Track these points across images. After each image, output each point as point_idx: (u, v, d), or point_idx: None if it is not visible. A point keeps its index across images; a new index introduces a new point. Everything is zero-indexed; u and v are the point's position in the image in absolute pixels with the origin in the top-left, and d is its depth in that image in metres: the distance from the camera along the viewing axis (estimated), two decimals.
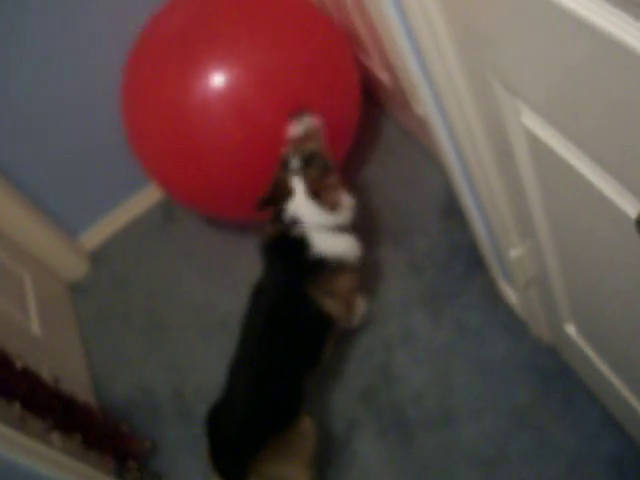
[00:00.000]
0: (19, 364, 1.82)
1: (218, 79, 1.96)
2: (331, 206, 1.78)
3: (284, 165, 1.80)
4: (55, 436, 1.87)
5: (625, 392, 1.45)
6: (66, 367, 2.36)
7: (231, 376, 1.76)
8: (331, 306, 1.80)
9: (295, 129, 1.85)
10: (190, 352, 2.36)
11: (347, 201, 1.83)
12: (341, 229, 1.82)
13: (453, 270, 2.11)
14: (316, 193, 1.76)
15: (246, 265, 2.46)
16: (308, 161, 1.78)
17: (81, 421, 1.95)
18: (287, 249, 1.81)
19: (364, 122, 2.63)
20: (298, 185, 1.77)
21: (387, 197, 2.39)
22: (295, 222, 1.78)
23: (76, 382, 2.34)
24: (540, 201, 1.21)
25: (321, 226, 1.78)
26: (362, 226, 2.30)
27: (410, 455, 1.84)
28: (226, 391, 1.74)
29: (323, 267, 1.78)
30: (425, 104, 1.47)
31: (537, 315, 1.74)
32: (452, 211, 2.22)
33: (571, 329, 1.55)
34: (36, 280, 2.56)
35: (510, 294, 1.90)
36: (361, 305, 2.00)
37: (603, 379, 1.53)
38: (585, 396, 1.73)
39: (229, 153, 2.04)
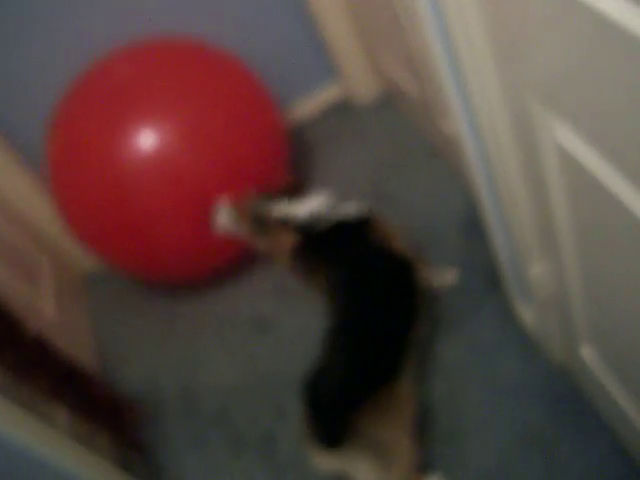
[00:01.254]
0: (32, 328, 1.85)
1: (147, 138, 2.01)
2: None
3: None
4: (61, 414, 1.89)
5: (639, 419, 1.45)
6: (77, 354, 2.38)
7: (328, 345, 1.72)
8: (397, 245, 1.88)
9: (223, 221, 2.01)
10: (202, 349, 2.37)
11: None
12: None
13: (469, 287, 2.10)
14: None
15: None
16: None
17: (84, 391, 1.99)
18: (328, 237, 1.88)
19: (387, 134, 2.67)
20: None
21: (406, 211, 2.40)
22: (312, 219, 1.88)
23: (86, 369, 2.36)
24: (567, 219, 1.21)
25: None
26: None
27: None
28: (323, 359, 1.70)
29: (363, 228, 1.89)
30: (456, 120, 1.47)
31: (552, 336, 1.74)
32: (472, 228, 2.22)
33: (587, 351, 1.55)
34: (54, 265, 2.60)
35: (525, 314, 1.89)
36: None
37: (614, 404, 1.53)
38: (595, 420, 1.72)
39: (161, 212, 2.08)
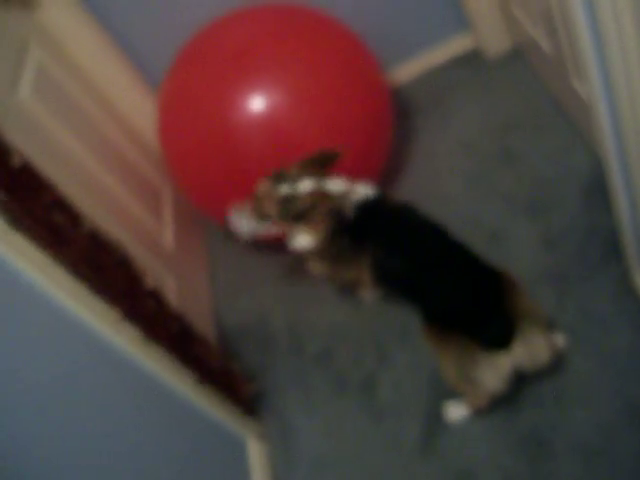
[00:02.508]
0: (150, 283, 1.90)
1: (259, 101, 2.05)
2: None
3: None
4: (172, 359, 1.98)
5: None
6: (191, 285, 2.49)
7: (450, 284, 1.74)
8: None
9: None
10: (311, 289, 2.43)
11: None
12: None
13: (587, 253, 2.05)
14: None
15: None
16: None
17: (196, 353, 2.03)
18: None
19: (515, 89, 2.59)
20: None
21: (530, 168, 2.34)
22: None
23: (198, 301, 2.47)
24: None
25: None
26: (503, 193, 2.30)
27: (513, 425, 1.84)
28: (439, 292, 1.74)
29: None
30: (591, 80, 1.42)
31: None
32: (595, 192, 2.15)
33: None
34: (174, 196, 2.69)
35: None
36: None
37: None
38: None
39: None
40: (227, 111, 2.08)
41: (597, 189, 2.14)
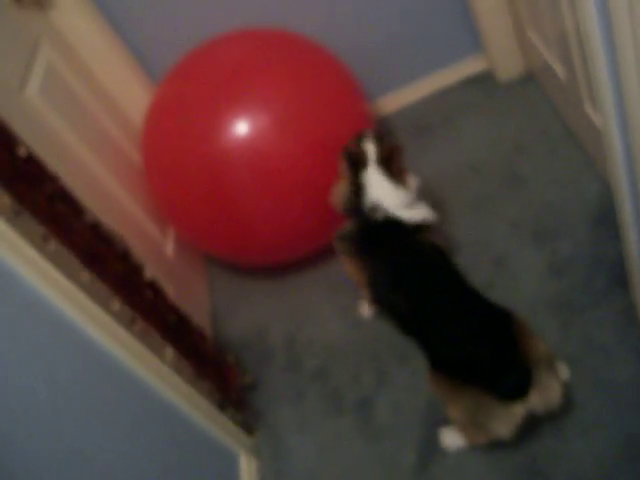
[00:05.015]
0: (148, 274, 1.92)
1: (244, 125, 2.06)
2: (398, 177, 1.89)
3: (358, 140, 1.94)
4: (168, 352, 1.96)
5: None
6: (190, 295, 2.47)
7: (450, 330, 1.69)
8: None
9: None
10: (311, 305, 2.40)
11: (412, 180, 1.95)
12: (413, 203, 1.91)
13: (593, 282, 2.02)
14: (387, 160, 1.88)
15: None
16: (379, 138, 1.93)
17: (192, 342, 2.05)
18: (384, 232, 1.88)
19: (525, 112, 2.57)
20: (370, 149, 1.90)
21: (537, 193, 2.32)
22: (375, 208, 1.87)
23: (196, 310, 2.44)
24: None
25: (398, 204, 1.87)
26: (509, 218, 2.28)
27: (511, 456, 1.81)
28: (447, 342, 1.68)
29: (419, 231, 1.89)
30: (605, 108, 1.40)
31: None
32: (603, 220, 2.13)
33: None
34: None
35: None
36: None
37: None
38: None
39: (256, 199, 2.14)
40: (211, 134, 2.09)
41: (605, 217, 2.12)
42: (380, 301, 1.90)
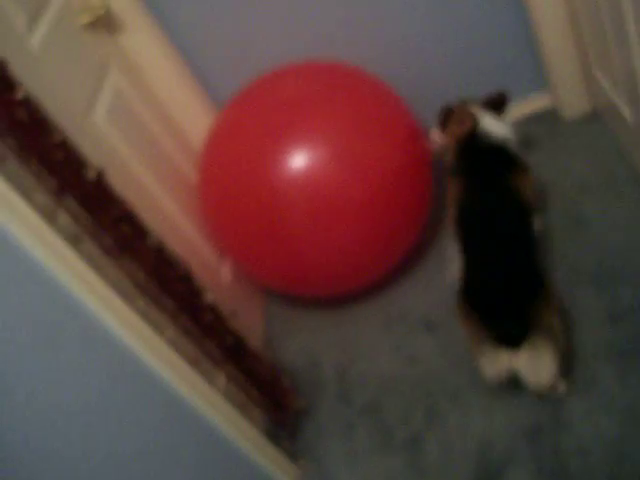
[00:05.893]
0: (210, 297, 1.95)
1: (302, 158, 2.09)
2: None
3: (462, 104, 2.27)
4: (220, 379, 1.99)
5: None
6: (245, 320, 2.49)
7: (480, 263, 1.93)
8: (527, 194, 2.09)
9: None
10: (365, 338, 2.40)
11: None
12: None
13: None
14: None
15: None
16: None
17: (248, 364, 2.07)
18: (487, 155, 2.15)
19: (591, 153, 2.54)
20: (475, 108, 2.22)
21: (598, 238, 2.28)
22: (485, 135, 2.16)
23: (251, 335, 2.46)
24: None
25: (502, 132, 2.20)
26: (569, 260, 2.25)
27: None
28: (477, 273, 1.92)
29: (515, 165, 2.15)
30: None
31: None
32: None
33: None
34: None
35: None
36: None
37: None
38: None
39: (312, 232, 2.15)
40: (269, 164, 2.11)
41: None
42: (456, 219, 2.08)
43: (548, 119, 2.75)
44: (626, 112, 2.22)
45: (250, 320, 2.56)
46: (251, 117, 2.23)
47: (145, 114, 2.32)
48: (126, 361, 1.58)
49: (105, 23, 2.24)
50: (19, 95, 1.39)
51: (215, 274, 2.45)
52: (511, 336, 1.76)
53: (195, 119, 2.60)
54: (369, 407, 2.21)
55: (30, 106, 1.42)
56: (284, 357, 2.49)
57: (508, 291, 1.81)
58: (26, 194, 1.38)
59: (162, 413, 1.68)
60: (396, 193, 2.21)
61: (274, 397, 2.10)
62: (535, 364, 1.76)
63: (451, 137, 2.24)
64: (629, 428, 1.82)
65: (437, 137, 2.35)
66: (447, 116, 2.28)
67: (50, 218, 1.44)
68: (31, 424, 1.27)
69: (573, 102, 2.68)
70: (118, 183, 1.84)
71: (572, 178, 2.50)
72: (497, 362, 1.79)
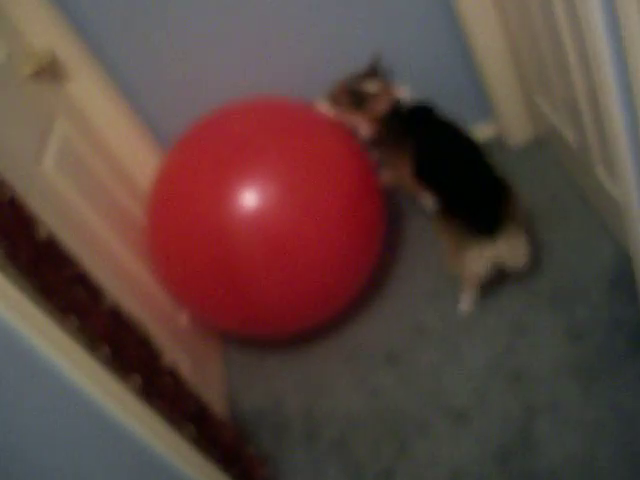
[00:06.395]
0: (168, 361, 1.88)
1: (251, 196, 2.05)
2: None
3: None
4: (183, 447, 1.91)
5: None
6: (205, 366, 2.45)
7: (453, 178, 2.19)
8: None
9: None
10: (327, 375, 2.38)
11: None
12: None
13: (613, 345, 2.00)
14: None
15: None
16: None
17: (212, 431, 1.98)
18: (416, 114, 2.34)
19: (536, 178, 2.60)
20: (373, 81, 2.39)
21: (553, 258, 2.32)
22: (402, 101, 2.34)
23: (212, 383, 2.42)
24: None
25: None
26: (524, 284, 2.28)
27: None
28: (453, 193, 2.17)
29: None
30: (624, 181, 1.42)
31: None
32: (619, 283, 2.12)
33: None
34: None
35: None
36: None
37: None
38: None
39: (264, 270, 2.10)
40: (217, 204, 2.07)
41: (621, 280, 2.12)
42: (418, 170, 2.26)
43: (495, 148, 2.80)
44: (569, 136, 2.28)
45: (210, 365, 2.51)
46: (198, 157, 2.20)
47: (94, 161, 2.29)
48: (93, 414, 1.54)
49: (50, 72, 2.22)
50: None
51: (171, 321, 2.40)
52: (490, 226, 2.04)
53: (143, 162, 2.59)
54: (337, 444, 2.18)
55: None
56: (247, 401, 2.44)
57: (481, 195, 2.09)
58: None
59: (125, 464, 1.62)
60: (349, 227, 2.20)
61: (239, 466, 2.01)
62: (512, 247, 2.08)
63: (372, 114, 2.35)
64: (597, 442, 1.83)
65: (326, 109, 2.42)
66: (360, 98, 2.36)
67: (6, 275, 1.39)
68: None
69: (518, 130, 2.75)
70: (68, 234, 1.82)
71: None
72: (481, 255, 2.08)
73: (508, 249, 2.07)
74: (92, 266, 1.77)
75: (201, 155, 2.20)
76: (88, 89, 2.37)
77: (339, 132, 2.36)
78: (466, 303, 2.33)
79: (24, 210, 1.50)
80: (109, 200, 2.30)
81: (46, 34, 2.23)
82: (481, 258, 2.09)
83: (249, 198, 2.06)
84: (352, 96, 2.38)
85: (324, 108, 2.41)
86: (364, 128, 2.40)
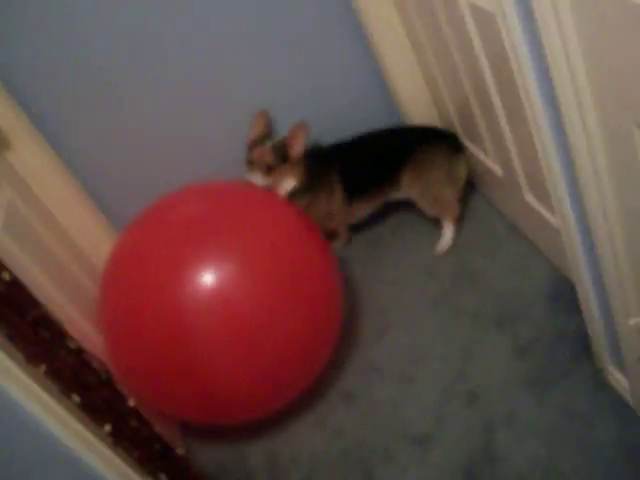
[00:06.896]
0: (132, 401, 1.86)
1: (207, 277, 1.99)
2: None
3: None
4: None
5: None
6: (163, 424, 2.42)
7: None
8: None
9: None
10: (287, 419, 2.39)
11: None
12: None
13: (559, 355, 2.11)
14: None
15: None
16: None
17: (178, 472, 1.97)
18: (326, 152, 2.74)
19: (467, 212, 2.75)
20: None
21: (492, 284, 2.45)
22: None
23: (171, 440, 2.38)
24: None
25: None
26: (469, 311, 2.39)
27: None
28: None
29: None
30: (562, 209, 1.57)
31: None
32: (557, 299, 2.26)
33: None
34: None
35: (619, 380, 1.89)
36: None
37: None
38: None
39: (223, 352, 2.05)
40: (171, 287, 2.01)
41: (558, 295, 2.26)
42: (349, 182, 2.69)
43: None
44: (497, 170, 2.45)
45: (168, 425, 2.48)
46: (153, 236, 2.17)
47: (40, 228, 2.31)
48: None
49: None
50: None
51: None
52: (458, 143, 2.68)
53: (90, 234, 2.64)
54: None
55: None
56: (207, 453, 2.42)
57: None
58: None
59: None
60: (309, 308, 2.18)
61: None
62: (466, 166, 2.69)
63: (296, 161, 2.57)
64: (556, 444, 1.91)
65: (258, 179, 2.56)
66: (282, 149, 2.55)
67: None
68: None
69: None
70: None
71: (457, 239, 2.69)
72: (463, 162, 2.66)
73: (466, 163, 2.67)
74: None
75: (156, 235, 2.16)
76: (29, 157, 2.43)
77: (282, 203, 2.42)
78: (447, 241, 2.68)
79: None
80: (59, 267, 2.30)
81: None
82: (464, 165, 2.65)
83: (205, 277, 2.00)
84: (275, 151, 2.55)
85: (257, 178, 2.55)
86: (291, 181, 2.58)
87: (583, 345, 2.04)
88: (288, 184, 2.58)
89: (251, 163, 2.58)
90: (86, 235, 2.62)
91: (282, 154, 2.55)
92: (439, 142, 2.66)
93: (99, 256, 2.62)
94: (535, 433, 1.96)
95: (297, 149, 2.54)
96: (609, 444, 1.85)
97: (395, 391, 2.31)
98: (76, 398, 1.62)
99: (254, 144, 2.61)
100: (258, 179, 2.55)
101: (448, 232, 2.68)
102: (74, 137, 2.62)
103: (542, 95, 1.38)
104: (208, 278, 2.00)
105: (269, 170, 2.54)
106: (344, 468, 2.17)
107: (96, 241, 2.64)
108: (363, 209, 2.79)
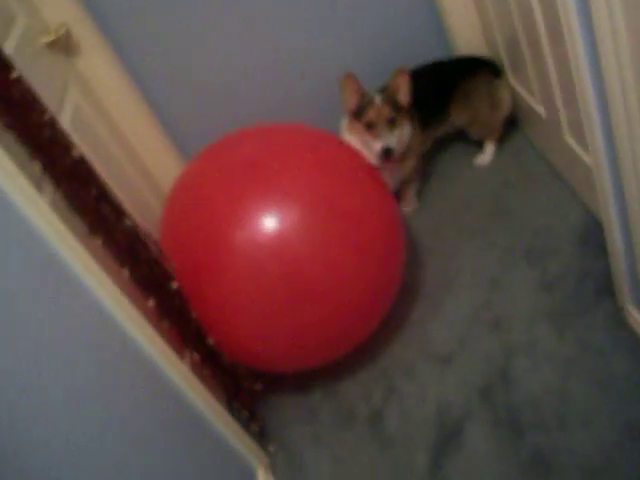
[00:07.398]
0: (176, 284, 2.01)
1: (270, 219, 1.98)
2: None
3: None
4: (187, 359, 2.07)
5: None
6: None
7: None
8: None
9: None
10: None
11: None
12: None
13: (582, 293, 2.21)
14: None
15: None
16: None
17: (210, 349, 2.12)
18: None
19: (509, 152, 2.82)
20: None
21: (526, 222, 2.53)
22: None
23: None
24: None
25: None
26: (501, 245, 2.48)
27: (517, 450, 1.93)
28: None
29: None
30: (595, 148, 1.63)
31: None
32: (587, 241, 2.34)
33: None
34: None
35: (638, 319, 1.98)
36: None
37: None
38: None
39: (272, 299, 2.03)
40: (233, 225, 2.01)
41: (588, 238, 2.34)
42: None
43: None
44: (541, 111, 2.50)
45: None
46: (216, 172, 2.17)
47: (102, 132, 2.45)
48: (114, 333, 1.67)
49: (64, 45, 2.38)
50: (14, 75, 1.51)
51: None
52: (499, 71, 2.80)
53: (151, 148, 2.77)
54: (329, 392, 2.34)
55: (22, 85, 1.54)
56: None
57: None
58: (22, 165, 1.48)
59: (145, 387, 1.75)
60: (369, 250, 2.14)
61: (233, 379, 2.18)
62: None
63: (408, 111, 2.58)
64: (570, 375, 2.03)
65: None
66: (393, 102, 2.52)
67: (39, 189, 1.54)
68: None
69: None
70: None
71: (496, 177, 2.77)
72: (507, 87, 2.79)
73: (507, 87, 2.79)
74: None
75: (221, 169, 2.17)
76: (95, 65, 2.54)
77: (347, 149, 2.39)
78: (487, 156, 2.89)
79: (61, 130, 1.66)
80: (119, 171, 2.44)
81: (61, 10, 2.39)
82: (508, 90, 2.77)
83: (266, 220, 1.99)
84: (389, 104, 2.50)
85: (384, 138, 2.49)
86: (410, 127, 2.59)
87: (606, 286, 2.13)
88: (409, 131, 2.58)
89: (369, 126, 2.48)
90: (154, 157, 2.77)
91: (395, 104, 2.51)
92: (480, 72, 2.76)
93: (159, 169, 2.80)
94: (552, 362, 2.08)
95: (407, 95, 2.52)
96: (621, 378, 1.96)
97: (423, 311, 2.44)
98: (126, 272, 1.79)
99: (361, 109, 2.51)
100: (386, 138, 2.48)
101: (489, 150, 2.88)
102: (149, 61, 2.74)
103: (584, 40, 1.45)
104: (268, 221, 1.99)
105: (392, 124, 2.49)
106: (368, 379, 2.32)
107: (163, 163, 2.79)
108: (423, 144, 2.80)
